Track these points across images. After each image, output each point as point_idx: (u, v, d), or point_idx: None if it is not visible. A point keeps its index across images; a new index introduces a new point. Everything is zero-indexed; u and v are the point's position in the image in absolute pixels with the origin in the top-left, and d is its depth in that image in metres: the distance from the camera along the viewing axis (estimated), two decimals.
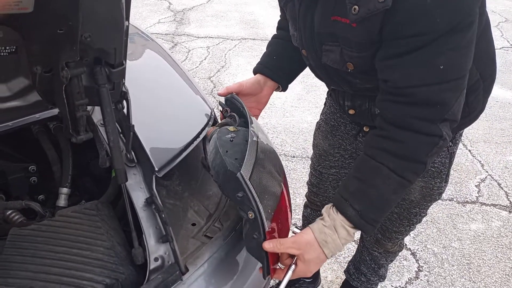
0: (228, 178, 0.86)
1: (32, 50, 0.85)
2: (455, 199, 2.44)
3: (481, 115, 1.15)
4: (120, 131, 1.01)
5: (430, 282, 1.94)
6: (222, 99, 1.14)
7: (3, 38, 0.80)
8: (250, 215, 0.85)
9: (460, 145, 2.91)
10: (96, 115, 1.08)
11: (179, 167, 1.04)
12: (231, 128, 0.98)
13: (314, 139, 1.46)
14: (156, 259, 0.87)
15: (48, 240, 0.87)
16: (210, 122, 1.17)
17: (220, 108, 1.16)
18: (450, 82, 0.83)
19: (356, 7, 0.82)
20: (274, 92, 1.25)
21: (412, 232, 2.10)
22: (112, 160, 0.91)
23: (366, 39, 0.86)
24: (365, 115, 1.14)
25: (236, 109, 1.09)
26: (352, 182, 0.92)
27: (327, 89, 1.33)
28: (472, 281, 1.96)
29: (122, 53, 0.85)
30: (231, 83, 3.55)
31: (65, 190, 1.07)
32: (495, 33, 4.78)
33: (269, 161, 0.94)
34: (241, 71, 3.74)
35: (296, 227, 1.98)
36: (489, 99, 1.13)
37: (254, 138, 0.92)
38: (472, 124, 1.16)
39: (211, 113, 1.21)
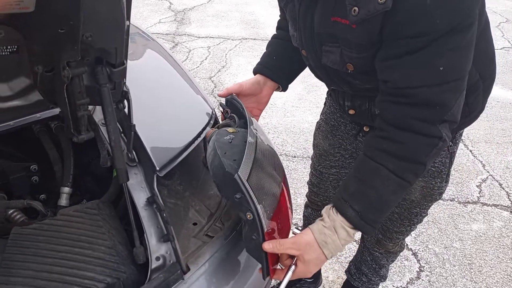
0: (226, 179, 0.86)
1: (33, 49, 0.85)
2: (456, 200, 2.44)
3: (482, 116, 1.15)
4: (121, 130, 1.01)
5: (431, 283, 1.94)
6: (223, 100, 1.14)
7: (4, 37, 0.80)
8: (248, 216, 0.85)
9: (461, 146, 2.90)
10: (97, 114, 1.08)
11: (180, 167, 1.04)
12: (230, 130, 0.99)
13: (314, 139, 1.46)
14: (157, 258, 0.87)
15: (50, 239, 0.87)
16: (211, 122, 1.17)
17: (221, 109, 1.16)
18: (450, 83, 0.83)
19: (356, 8, 0.82)
20: (275, 92, 1.25)
21: (413, 232, 2.10)
22: (114, 160, 0.91)
23: (366, 40, 0.86)
24: (365, 115, 1.14)
25: (236, 110, 1.09)
26: (351, 183, 0.91)
27: (327, 89, 1.33)
28: (473, 281, 1.95)
29: (123, 53, 0.85)
30: (232, 83, 3.53)
31: (66, 189, 1.07)
32: (496, 33, 4.77)
33: (268, 162, 0.94)
34: (241, 71, 3.74)
35: (296, 227, 1.98)
36: (490, 99, 1.13)
37: (253, 139, 0.92)
38: (473, 124, 1.16)
39: (212, 113, 1.21)
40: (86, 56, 0.84)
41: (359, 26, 0.84)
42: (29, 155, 1.19)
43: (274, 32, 1.28)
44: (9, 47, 0.84)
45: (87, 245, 0.87)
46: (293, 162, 2.66)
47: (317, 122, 1.44)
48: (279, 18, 1.27)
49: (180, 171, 1.09)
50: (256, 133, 0.96)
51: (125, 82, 0.94)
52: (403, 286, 1.91)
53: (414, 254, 2.08)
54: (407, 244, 2.11)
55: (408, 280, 1.94)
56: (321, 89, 3.38)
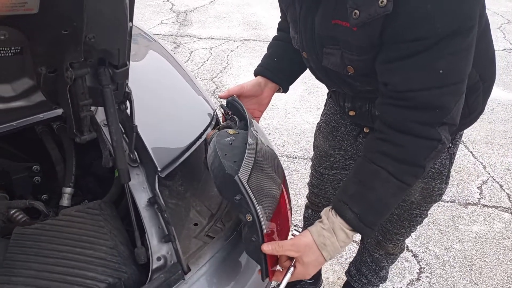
0: (226, 181, 0.87)
1: (37, 50, 0.86)
2: (457, 201, 2.44)
3: (483, 117, 1.16)
4: (123, 131, 1.02)
5: (431, 284, 1.94)
6: (224, 102, 1.15)
7: (8, 38, 0.80)
8: (248, 218, 0.85)
9: (462, 147, 2.90)
10: (100, 115, 1.08)
11: (181, 168, 1.04)
12: (230, 131, 0.99)
13: (314, 140, 1.47)
14: (158, 259, 0.87)
15: (52, 239, 0.88)
16: (212, 123, 1.18)
17: (222, 110, 1.17)
18: (450, 86, 0.83)
19: (357, 11, 0.82)
20: (276, 93, 1.26)
21: (413, 233, 2.10)
22: (115, 160, 0.91)
23: (366, 42, 0.87)
24: (365, 117, 1.14)
25: (237, 111, 1.09)
26: (351, 185, 0.92)
27: (328, 91, 1.33)
28: (473, 283, 1.95)
29: (125, 54, 0.86)
30: (233, 84, 3.54)
31: (68, 189, 1.08)
32: (497, 34, 4.77)
33: (268, 163, 0.94)
34: (243, 72, 3.75)
35: (295, 229, 1.99)
36: (491, 101, 1.14)
37: (253, 141, 0.93)
38: (474, 126, 1.17)
39: (213, 114, 1.21)
40: (89, 57, 0.85)
41: (359, 29, 0.85)
42: (31, 155, 1.19)
43: (275, 33, 1.29)
44: (12, 48, 0.85)
45: (89, 245, 0.88)
46: (294, 163, 2.67)
47: (318, 123, 1.44)
48: (280, 19, 1.28)
49: (181, 172, 1.10)
50: (257, 135, 0.97)
51: (127, 83, 0.94)
52: (403, 287, 1.92)
53: (415, 255, 2.08)
54: (407, 246, 2.11)
55: (408, 282, 1.94)
56: (322, 91, 3.38)
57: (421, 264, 2.03)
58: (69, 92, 0.88)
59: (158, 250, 0.88)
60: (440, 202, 2.30)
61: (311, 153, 1.52)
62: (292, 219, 1.87)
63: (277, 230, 0.91)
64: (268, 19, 4.96)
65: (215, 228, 1.00)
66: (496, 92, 3.55)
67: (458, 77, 0.84)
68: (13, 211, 1.01)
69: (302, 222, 1.78)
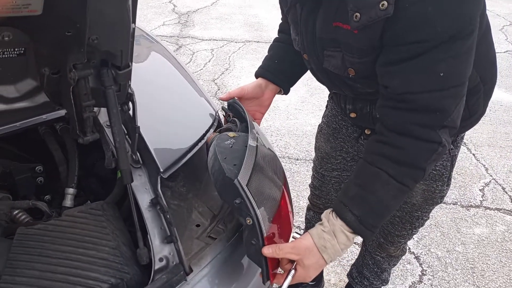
0: (226, 184, 0.87)
1: (40, 52, 0.86)
2: (459, 203, 2.43)
3: (485, 119, 1.16)
4: (126, 132, 1.02)
5: (433, 286, 1.93)
6: (225, 104, 1.15)
7: (12, 40, 0.81)
8: (248, 221, 0.85)
9: (464, 149, 2.90)
10: (102, 116, 1.09)
11: (183, 169, 1.05)
12: (231, 134, 0.99)
13: (316, 141, 1.47)
14: (160, 259, 0.87)
15: (55, 240, 0.88)
16: (214, 124, 1.18)
17: (223, 112, 1.17)
18: (450, 89, 0.83)
19: (358, 14, 0.82)
20: (277, 95, 1.26)
21: (415, 236, 2.10)
22: (118, 161, 0.92)
23: (367, 45, 0.87)
24: (366, 118, 1.14)
25: (238, 114, 1.10)
26: (351, 187, 0.92)
27: (329, 92, 1.33)
28: (476, 285, 1.95)
29: (128, 55, 0.86)
30: (235, 85, 3.55)
31: (71, 190, 1.08)
32: (499, 36, 4.76)
33: (269, 166, 0.94)
34: (245, 73, 3.76)
35: (296, 232, 1.99)
36: (494, 103, 1.14)
37: (254, 143, 0.93)
38: (476, 128, 1.17)
39: (215, 115, 1.22)
40: (92, 58, 0.85)
41: (360, 31, 0.85)
42: (34, 156, 1.20)
43: (276, 35, 1.29)
44: (16, 49, 0.85)
45: (91, 246, 0.88)
46: (296, 164, 2.67)
47: (319, 125, 1.44)
48: (281, 21, 1.28)
49: (183, 173, 1.10)
50: (257, 137, 0.97)
51: (130, 84, 0.95)
52: None
53: (417, 257, 2.07)
54: (409, 248, 2.11)
55: (411, 284, 1.94)
56: (324, 92, 3.37)
57: (423, 266, 2.03)
58: (72, 93, 0.88)
59: (160, 251, 0.88)
60: (442, 204, 2.30)
61: (313, 154, 1.52)
62: (294, 220, 1.87)
63: (278, 233, 0.91)
64: (270, 20, 4.97)
65: (217, 229, 1.01)
66: (498, 94, 3.55)
67: (459, 80, 0.84)
68: (16, 212, 1.01)
69: (304, 224, 1.78)
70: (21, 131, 1.08)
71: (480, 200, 2.46)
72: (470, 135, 2.99)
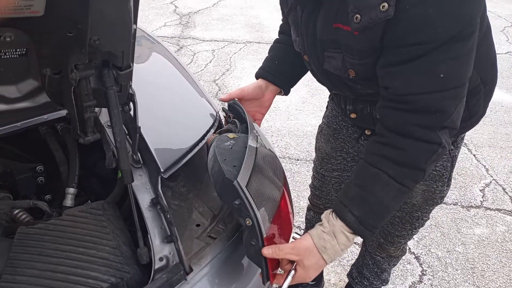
0: (225, 185, 0.87)
1: (42, 52, 0.86)
2: (459, 204, 2.43)
3: (486, 120, 1.16)
4: (127, 132, 1.02)
5: (433, 286, 1.93)
6: (226, 105, 1.16)
7: (14, 40, 0.81)
8: (247, 222, 0.85)
9: (465, 150, 2.90)
10: (103, 116, 1.09)
11: (184, 169, 1.05)
12: (230, 135, 1.00)
13: (316, 142, 1.47)
14: (161, 259, 0.88)
15: (55, 239, 0.88)
16: (215, 124, 1.18)
17: (224, 113, 1.17)
18: (451, 90, 0.83)
19: (358, 16, 0.82)
20: (278, 96, 1.26)
21: (416, 236, 2.10)
22: (119, 161, 0.92)
23: (368, 46, 0.87)
24: (366, 119, 1.14)
25: (238, 115, 1.10)
26: (351, 188, 0.92)
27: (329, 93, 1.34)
28: (476, 285, 1.95)
29: (129, 56, 0.87)
30: (236, 86, 3.55)
31: (71, 190, 1.08)
32: (500, 37, 4.76)
33: (268, 167, 0.94)
34: (246, 74, 3.76)
35: (296, 232, 2.00)
36: (494, 104, 1.15)
37: (253, 145, 0.93)
38: (477, 128, 1.17)
39: (216, 116, 1.22)
40: (94, 59, 0.85)
41: (361, 33, 0.85)
42: (35, 156, 1.20)
43: (277, 36, 1.30)
44: (18, 50, 0.85)
45: (92, 245, 0.88)
46: (296, 165, 2.67)
47: (319, 126, 1.45)
48: (281, 22, 1.28)
49: (184, 173, 1.10)
50: (257, 138, 0.97)
51: (131, 85, 0.95)
52: None
53: (417, 257, 2.07)
54: (409, 248, 2.11)
55: (411, 284, 1.94)
56: (325, 93, 3.37)
57: (423, 266, 2.03)
58: (73, 93, 0.89)
59: (161, 251, 0.88)
60: (442, 204, 2.30)
61: (313, 155, 1.53)
62: (294, 221, 1.87)
63: (278, 233, 0.91)
64: (271, 21, 4.98)
65: (217, 229, 1.01)
66: (499, 95, 3.54)
67: (459, 81, 0.84)
68: (16, 211, 1.02)
69: (304, 224, 1.78)
70: (22, 131, 1.08)
71: (480, 201, 2.46)
72: (470, 135, 2.99)
